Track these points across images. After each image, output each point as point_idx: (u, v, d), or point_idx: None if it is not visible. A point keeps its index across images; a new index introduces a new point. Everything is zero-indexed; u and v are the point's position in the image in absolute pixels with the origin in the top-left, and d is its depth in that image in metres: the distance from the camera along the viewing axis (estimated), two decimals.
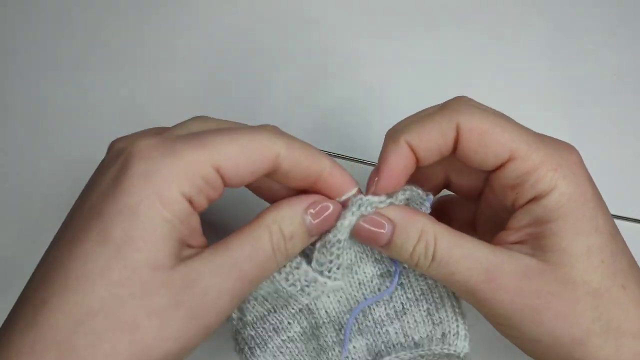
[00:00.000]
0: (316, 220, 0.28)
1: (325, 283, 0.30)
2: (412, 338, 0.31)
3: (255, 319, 0.32)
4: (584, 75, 0.46)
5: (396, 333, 0.32)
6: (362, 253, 0.32)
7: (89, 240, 0.24)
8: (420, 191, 0.30)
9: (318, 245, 0.30)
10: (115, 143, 0.29)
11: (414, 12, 0.48)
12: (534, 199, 0.27)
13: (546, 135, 0.30)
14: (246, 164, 0.26)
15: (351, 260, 0.31)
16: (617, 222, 0.42)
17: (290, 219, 0.28)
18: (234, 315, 0.32)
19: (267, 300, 0.31)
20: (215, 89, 0.46)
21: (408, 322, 0.32)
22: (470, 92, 0.46)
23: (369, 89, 0.46)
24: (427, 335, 0.31)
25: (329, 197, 0.29)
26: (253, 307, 0.31)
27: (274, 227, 0.27)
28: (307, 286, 0.30)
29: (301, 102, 0.46)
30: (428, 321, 0.32)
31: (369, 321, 0.32)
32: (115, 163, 0.25)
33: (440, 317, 0.31)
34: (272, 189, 0.30)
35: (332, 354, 0.32)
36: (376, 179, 0.29)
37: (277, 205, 0.28)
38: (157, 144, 0.25)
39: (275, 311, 0.32)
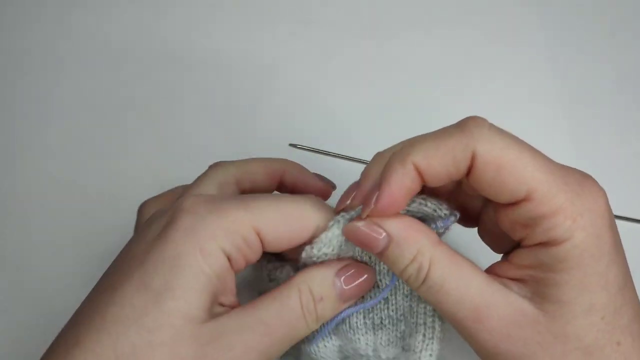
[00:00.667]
0: (349, 286, 0.28)
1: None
2: (380, 356, 0.31)
3: None
4: (584, 75, 0.46)
5: (367, 344, 0.31)
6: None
7: (130, 286, 0.24)
8: (443, 209, 0.28)
9: (302, 257, 0.29)
10: (147, 205, 0.32)
11: (414, 12, 0.48)
12: (545, 244, 0.25)
13: (572, 171, 0.26)
14: (286, 231, 0.27)
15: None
16: (617, 222, 0.42)
17: (320, 281, 0.28)
18: None
19: None
20: (216, 89, 0.46)
21: (381, 338, 0.31)
22: (471, 92, 0.46)
23: (369, 88, 0.46)
24: (394, 358, 0.31)
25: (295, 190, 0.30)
26: None
27: (303, 286, 0.27)
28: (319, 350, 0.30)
29: (302, 102, 0.46)
30: (398, 344, 0.31)
31: (346, 325, 0.31)
32: (162, 218, 0.26)
33: (409, 345, 0.30)
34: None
35: (312, 349, 0.31)
36: (374, 197, 0.26)
37: (308, 268, 0.28)
38: (204, 202, 0.26)
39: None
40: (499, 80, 0.46)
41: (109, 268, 0.28)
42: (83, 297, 0.27)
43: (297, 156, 0.44)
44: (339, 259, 0.28)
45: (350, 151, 0.43)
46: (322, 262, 0.28)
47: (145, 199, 0.35)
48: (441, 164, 0.25)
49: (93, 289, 0.27)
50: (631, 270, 0.40)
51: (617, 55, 0.47)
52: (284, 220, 0.27)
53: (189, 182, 0.39)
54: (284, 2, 0.49)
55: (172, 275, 0.24)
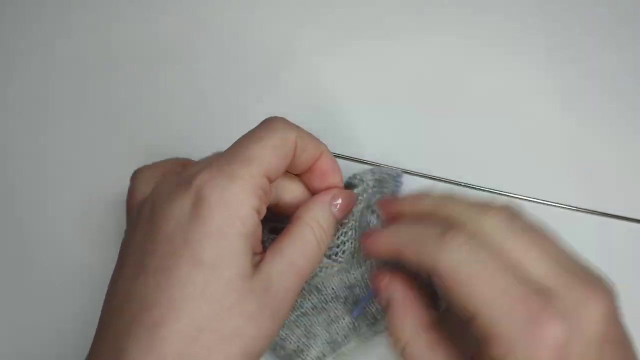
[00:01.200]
0: (340, 210, 0.33)
1: (333, 267, 0.36)
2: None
3: None
4: (584, 75, 0.46)
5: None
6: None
7: (183, 265, 0.26)
8: (389, 173, 0.37)
9: None
10: (143, 174, 0.32)
11: (414, 12, 0.48)
12: None
13: (567, 291, 0.25)
14: (281, 162, 0.30)
15: (355, 248, 0.36)
16: (617, 222, 0.43)
17: (322, 213, 0.32)
18: None
19: None
20: (216, 89, 0.46)
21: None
22: (471, 92, 0.46)
23: (369, 88, 0.46)
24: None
25: (323, 179, 0.33)
26: None
27: (313, 222, 0.31)
28: (320, 271, 0.35)
29: (301, 103, 0.46)
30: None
31: (364, 293, 0.37)
32: (182, 195, 0.28)
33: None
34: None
35: (341, 323, 0.37)
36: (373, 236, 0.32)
37: (310, 205, 0.32)
38: (219, 173, 0.28)
39: None
40: (499, 80, 0.46)
41: (136, 252, 0.28)
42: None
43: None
44: (327, 189, 0.34)
45: (350, 151, 0.43)
46: (315, 197, 0.33)
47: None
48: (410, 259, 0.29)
49: (131, 275, 0.28)
50: (631, 271, 0.40)
51: (617, 55, 0.47)
52: (277, 154, 0.29)
53: None
54: (284, 2, 0.49)
55: (221, 247, 0.27)
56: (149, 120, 0.46)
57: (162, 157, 0.44)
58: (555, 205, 0.42)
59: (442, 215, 0.29)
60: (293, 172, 0.33)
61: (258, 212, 0.28)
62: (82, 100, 0.46)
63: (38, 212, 0.43)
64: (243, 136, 0.31)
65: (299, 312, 0.37)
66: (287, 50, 0.47)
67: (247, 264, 0.27)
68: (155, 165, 0.33)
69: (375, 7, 0.49)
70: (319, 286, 0.37)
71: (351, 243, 0.36)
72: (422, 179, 0.42)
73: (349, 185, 0.37)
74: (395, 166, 0.42)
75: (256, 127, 0.31)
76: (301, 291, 0.36)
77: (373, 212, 0.37)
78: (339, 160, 0.44)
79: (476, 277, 0.25)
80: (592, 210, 0.42)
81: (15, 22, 0.49)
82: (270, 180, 0.29)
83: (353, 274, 0.37)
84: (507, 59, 0.47)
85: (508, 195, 0.42)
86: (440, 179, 0.43)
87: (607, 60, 0.47)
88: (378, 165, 0.43)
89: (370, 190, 0.37)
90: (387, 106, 0.46)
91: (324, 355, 0.36)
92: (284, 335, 0.36)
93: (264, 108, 0.46)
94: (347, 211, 0.34)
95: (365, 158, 0.43)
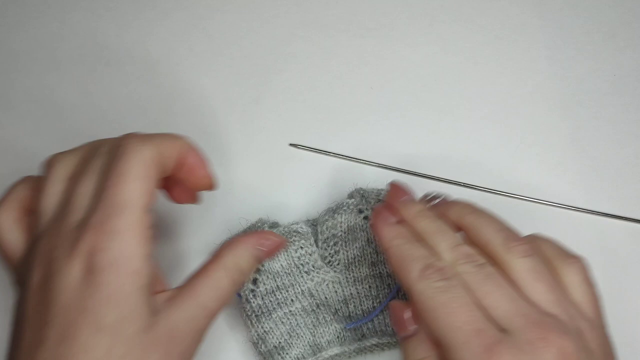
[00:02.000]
0: (265, 251, 0.34)
1: (328, 272, 0.38)
2: (392, 328, 0.37)
3: (265, 291, 0.37)
4: (583, 76, 0.46)
5: (379, 322, 0.38)
6: (361, 257, 0.38)
7: (84, 332, 0.26)
8: (375, 196, 0.38)
9: (320, 242, 0.38)
10: (57, 163, 0.31)
11: (414, 13, 0.48)
12: None
13: (529, 326, 0.27)
14: (154, 184, 0.29)
15: (349, 260, 0.38)
16: (617, 222, 0.43)
17: (245, 257, 0.33)
18: (247, 286, 0.37)
19: (277, 278, 0.37)
20: (215, 89, 0.46)
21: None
22: (470, 92, 0.46)
23: (369, 89, 0.46)
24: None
25: (192, 173, 0.33)
26: (265, 281, 0.37)
27: (232, 264, 0.32)
28: (313, 271, 0.37)
29: (302, 102, 0.46)
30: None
31: (359, 310, 0.38)
32: (72, 265, 0.27)
33: None
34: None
35: (328, 329, 0.37)
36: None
37: (233, 246, 0.33)
38: (102, 234, 0.27)
39: (283, 288, 0.37)
40: (499, 80, 0.46)
41: (32, 322, 0.28)
42: None
43: (297, 156, 0.44)
44: (256, 232, 0.36)
45: (350, 151, 0.43)
46: (240, 238, 0.33)
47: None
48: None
49: (26, 346, 0.27)
50: (632, 271, 0.40)
51: (617, 56, 0.47)
52: (148, 184, 0.29)
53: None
54: (284, 2, 0.49)
55: (120, 308, 0.27)
56: (147, 120, 0.46)
57: None
58: (555, 205, 0.42)
59: (433, 242, 0.31)
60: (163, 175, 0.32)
61: (149, 253, 0.28)
62: (82, 101, 0.46)
63: None
64: (109, 171, 0.29)
65: (287, 310, 0.37)
66: (287, 51, 0.47)
67: (149, 316, 0.27)
68: (72, 152, 0.32)
69: (374, 7, 0.49)
70: (312, 291, 0.38)
71: (344, 254, 0.38)
72: (422, 178, 0.43)
73: (338, 207, 0.39)
74: (395, 166, 0.43)
75: (116, 158, 0.29)
76: (294, 293, 0.37)
77: (363, 229, 0.38)
78: (339, 160, 0.44)
79: (443, 307, 0.28)
80: (592, 210, 0.42)
81: (15, 22, 0.49)
82: (152, 204, 0.29)
83: (349, 289, 0.38)
84: (507, 59, 0.47)
85: (508, 195, 0.42)
86: (439, 179, 0.43)
87: (608, 60, 0.47)
88: (378, 165, 0.43)
89: (353, 208, 0.38)
90: (386, 106, 0.46)
91: (304, 357, 0.37)
92: (268, 328, 0.37)
93: (263, 108, 0.46)
94: (273, 253, 0.35)
95: (365, 158, 0.43)
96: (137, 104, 0.46)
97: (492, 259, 0.30)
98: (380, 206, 0.34)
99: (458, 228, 0.32)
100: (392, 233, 0.32)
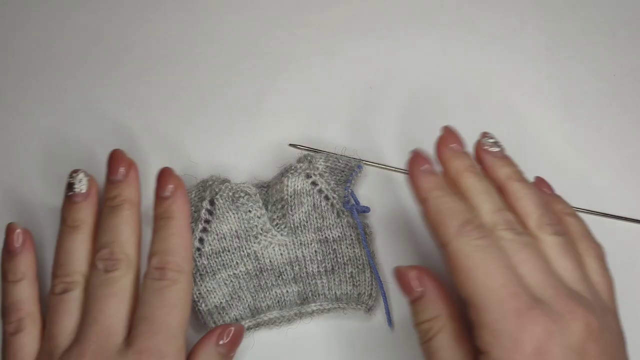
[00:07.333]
0: (227, 347, 0.34)
1: (275, 235, 0.39)
2: (335, 293, 0.39)
3: (211, 251, 0.38)
4: (583, 76, 0.46)
5: (322, 286, 0.39)
6: (306, 222, 0.39)
7: None
8: (347, 163, 0.40)
9: (269, 204, 0.39)
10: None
11: (414, 13, 0.48)
12: (479, 350, 0.28)
13: (559, 295, 0.28)
14: None
15: (295, 224, 0.39)
16: (617, 222, 0.42)
17: (208, 357, 0.34)
18: (194, 244, 0.38)
19: (224, 240, 0.38)
20: (215, 89, 0.47)
21: (334, 279, 0.39)
22: (470, 92, 0.46)
23: (369, 89, 0.46)
24: (347, 293, 0.39)
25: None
26: (212, 242, 0.38)
27: None
28: (261, 234, 0.39)
29: (302, 102, 0.46)
30: (349, 282, 0.39)
31: (303, 273, 0.39)
32: None
33: (359, 280, 0.39)
34: None
35: (269, 294, 0.39)
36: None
37: (196, 351, 0.34)
38: None
39: (228, 250, 0.39)
40: (499, 80, 0.46)
41: None
42: None
43: (297, 156, 0.44)
44: (213, 330, 0.35)
45: (350, 151, 0.43)
46: (201, 341, 0.34)
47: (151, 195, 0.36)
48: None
49: None
50: (631, 270, 0.40)
51: (617, 56, 0.47)
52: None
53: (189, 181, 0.39)
54: (284, 2, 0.49)
55: None
56: (147, 120, 0.46)
57: (161, 157, 0.44)
58: None
59: (477, 201, 0.30)
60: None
61: None
62: (82, 100, 0.46)
63: (37, 212, 0.43)
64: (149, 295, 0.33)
65: (231, 273, 0.38)
66: (287, 51, 0.48)
67: None
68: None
69: (374, 7, 0.49)
70: (257, 254, 0.39)
71: (290, 217, 0.39)
72: None
73: (288, 169, 0.39)
74: (395, 166, 0.43)
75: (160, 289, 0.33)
76: (239, 256, 0.38)
77: (327, 198, 0.39)
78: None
79: (481, 267, 0.27)
80: (592, 211, 0.42)
81: (15, 22, 0.49)
82: None
83: (294, 252, 0.39)
84: (507, 59, 0.47)
85: None
86: None
87: (607, 60, 0.47)
88: (378, 166, 0.43)
89: (320, 175, 0.39)
90: (386, 106, 0.46)
91: (242, 319, 0.38)
92: (211, 288, 0.38)
93: (263, 108, 0.46)
94: (236, 346, 0.35)
95: (365, 158, 0.43)
96: (137, 104, 0.46)
97: (525, 229, 0.30)
98: (417, 150, 0.32)
99: (498, 187, 0.32)
100: (431, 183, 0.31)
